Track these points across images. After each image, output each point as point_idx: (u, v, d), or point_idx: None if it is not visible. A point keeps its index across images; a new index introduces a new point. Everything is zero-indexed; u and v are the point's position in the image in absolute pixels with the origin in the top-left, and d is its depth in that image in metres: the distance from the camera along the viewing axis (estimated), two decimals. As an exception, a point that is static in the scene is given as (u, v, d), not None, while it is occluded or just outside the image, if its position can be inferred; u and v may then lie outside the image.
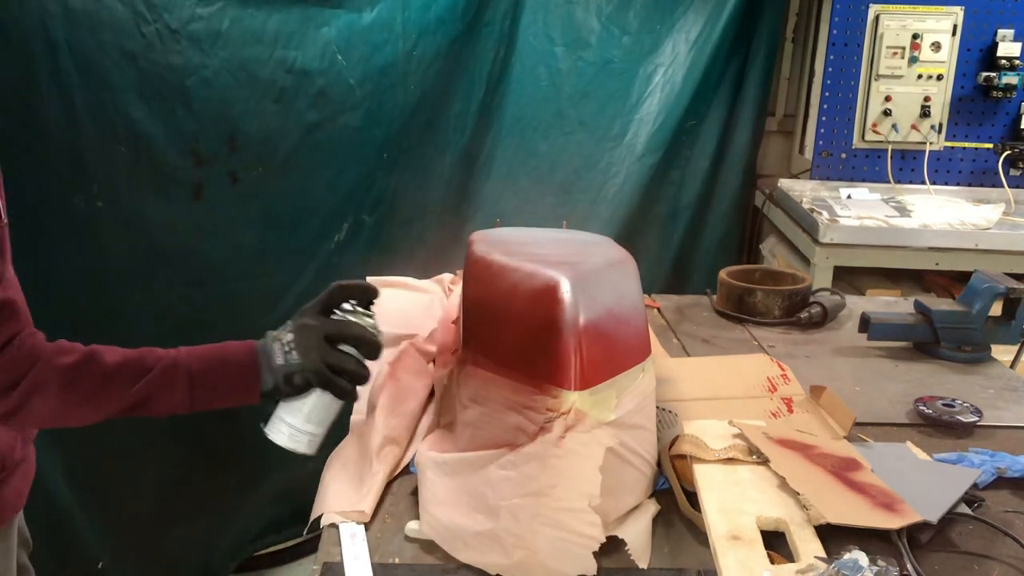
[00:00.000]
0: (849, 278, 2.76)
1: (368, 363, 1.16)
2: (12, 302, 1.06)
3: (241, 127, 2.20)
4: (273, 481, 2.59)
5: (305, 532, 1.23)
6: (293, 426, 1.14)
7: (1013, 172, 3.01)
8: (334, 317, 1.15)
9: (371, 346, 1.14)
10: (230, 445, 2.44)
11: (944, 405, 1.51)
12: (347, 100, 2.38)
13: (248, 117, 2.21)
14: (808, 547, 1.07)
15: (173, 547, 2.39)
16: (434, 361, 1.53)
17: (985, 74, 2.97)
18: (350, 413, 1.45)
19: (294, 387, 1.12)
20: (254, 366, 1.11)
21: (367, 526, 1.17)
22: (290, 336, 1.12)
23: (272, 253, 2.24)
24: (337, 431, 1.42)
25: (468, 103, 2.71)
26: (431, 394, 1.48)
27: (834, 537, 1.09)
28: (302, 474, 2.56)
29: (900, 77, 3.01)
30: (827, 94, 3.06)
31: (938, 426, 1.48)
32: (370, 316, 1.17)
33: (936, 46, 2.98)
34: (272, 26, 2.20)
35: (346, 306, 1.16)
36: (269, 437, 1.15)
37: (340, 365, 1.11)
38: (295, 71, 2.26)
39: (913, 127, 3.03)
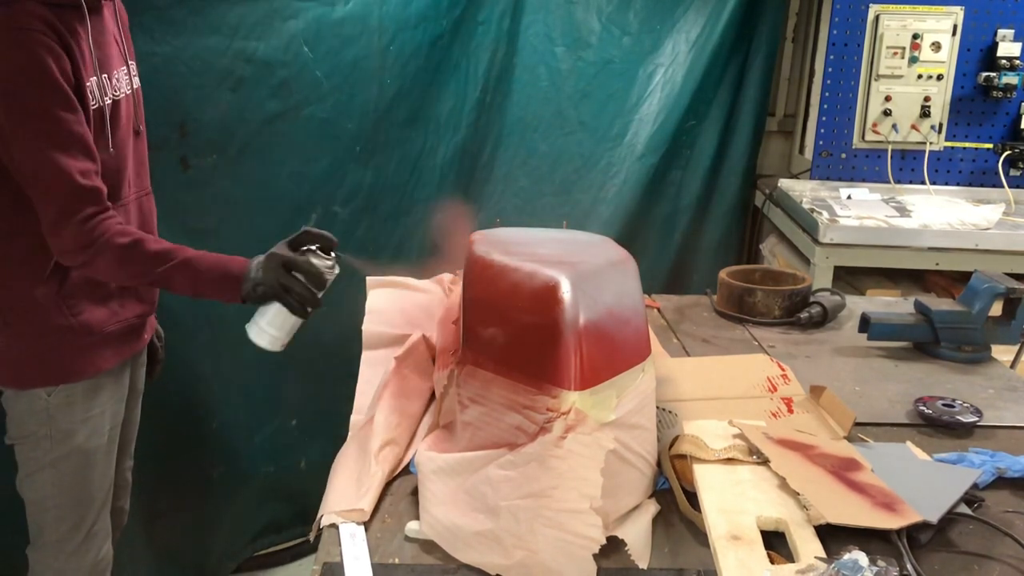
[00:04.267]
0: (849, 278, 2.76)
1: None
2: (99, 190, 1.48)
3: (193, 114, 2.19)
4: (271, 481, 2.59)
5: (312, 538, 1.22)
6: (259, 325, 1.54)
7: (1013, 172, 3.01)
8: (298, 253, 1.53)
9: (315, 276, 1.52)
10: (215, 443, 2.43)
11: (944, 405, 1.51)
12: (313, 92, 2.37)
13: (200, 104, 2.19)
14: (808, 547, 1.07)
15: (168, 546, 2.39)
16: (434, 361, 1.53)
17: (985, 74, 2.97)
18: (350, 413, 1.45)
19: (258, 295, 1.52)
20: (240, 277, 1.52)
21: (367, 526, 1.17)
22: (262, 258, 1.54)
23: (231, 240, 2.20)
24: (338, 433, 1.43)
25: (461, 101, 2.70)
26: (432, 395, 1.48)
27: (834, 537, 1.09)
28: (300, 474, 2.58)
29: (900, 77, 3.01)
30: (827, 94, 3.06)
31: (938, 426, 1.49)
32: (328, 259, 1.54)
33: (936, 46, 2.98)
34: (233, 17, 2.18)
35: (310, 247, 1.54)
36: (247, 332, 1.55)
37: (289, 285, 1.50)
38: (255, 61, 2.25)
39: (913, 127, 3.03)
